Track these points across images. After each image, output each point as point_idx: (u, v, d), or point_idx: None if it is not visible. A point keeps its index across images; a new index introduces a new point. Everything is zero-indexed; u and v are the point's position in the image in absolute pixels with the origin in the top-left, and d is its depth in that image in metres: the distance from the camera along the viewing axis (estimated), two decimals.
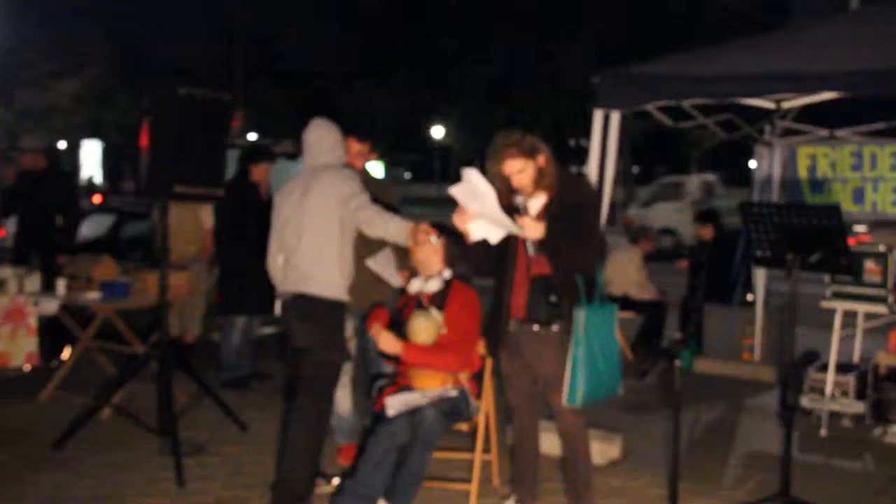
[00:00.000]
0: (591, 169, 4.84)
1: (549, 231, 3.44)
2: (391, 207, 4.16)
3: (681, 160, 32.13)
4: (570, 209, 3.45)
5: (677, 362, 3.55)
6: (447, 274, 4.00)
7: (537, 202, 3.57)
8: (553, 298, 3.54)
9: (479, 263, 3.69)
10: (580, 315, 3.46)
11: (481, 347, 3.84)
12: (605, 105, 4.77)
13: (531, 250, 3.49)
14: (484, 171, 3.48)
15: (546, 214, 3.49)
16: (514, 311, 3.60)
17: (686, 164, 31.33)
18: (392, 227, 3.78)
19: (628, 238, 7.64)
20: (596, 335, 3.51)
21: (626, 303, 7.32)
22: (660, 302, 7.48)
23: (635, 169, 31.90)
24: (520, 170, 3.51)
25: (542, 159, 3.52)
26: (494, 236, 3.50)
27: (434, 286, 4.01)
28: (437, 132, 34.40)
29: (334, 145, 4.04)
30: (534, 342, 3.57)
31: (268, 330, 7.36)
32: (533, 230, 3.43)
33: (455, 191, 3.38)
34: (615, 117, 4.76)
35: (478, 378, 3.99)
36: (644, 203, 18.97)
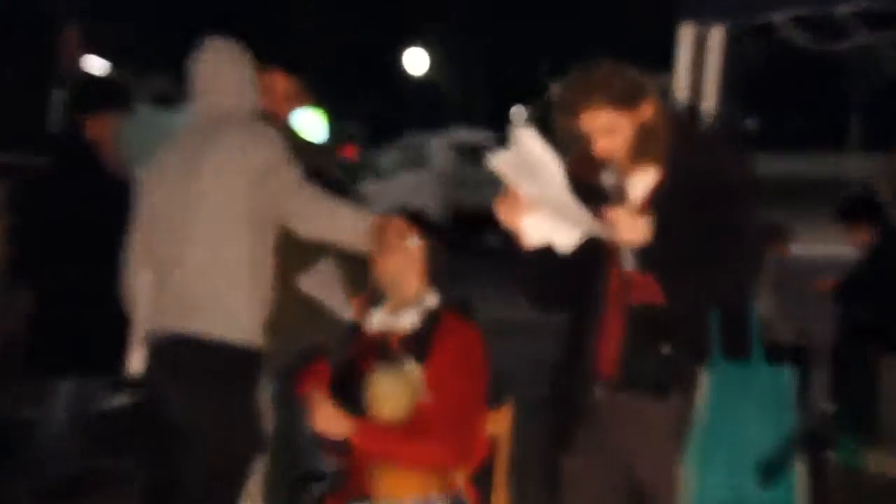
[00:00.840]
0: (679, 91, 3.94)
1: (662, 232, 2.76)
2: (340, 188, 3.68)
3: (828, 107, 25.28)
4: (701, 195, 2.80)
5: (832, 455, 3.16)
6: (431, 300, 3.20)
7: (641, 182, 2.91)
8: (667, 349, 2.84)
9: (536, 286, 3.01)
10: (711, 381, 2.82)
11: (493, 422, 3.18)
12: (700, 15, 3.97)
13: (629, 264, 2.83)
14: (546, 130, 2.81)
15: (656, 203, 2.85)
16: (602, 366, 2.92)
17: (839, 113, 24.72)
18: (341, 222, 3.28)
19: None
20: (740, 418, 2.86)
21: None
22: (799, 348, 6.23)
23: (751, 123, 27.33)
24: (609, 128, 2.83)
25: (648, 109, 2.85)
26: (565, 239, 2.85)
27: (409, 321, 3.16)
28: (417, 63, 28.81)
29: (242, 84, 3.51)
30: (631, 423, 2.90)
31: (117, 401, 5.71)
32: (631, 229, 2.74)
33: (499, 163, 2.74)
34: (716, 37, 3.98)
35: (483, 479, 3.19)
36: None
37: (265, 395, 3.72)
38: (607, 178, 2.88)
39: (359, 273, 3.57)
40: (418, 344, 3.13)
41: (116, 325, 3.63)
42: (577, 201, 2.76)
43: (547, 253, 2.88)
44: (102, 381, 5.15)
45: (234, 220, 3.32)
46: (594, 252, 2.88)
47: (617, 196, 2.85)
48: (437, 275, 3.24)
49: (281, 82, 3.86)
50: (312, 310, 3.76)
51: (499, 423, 3.25)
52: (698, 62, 3.92)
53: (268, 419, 3.74)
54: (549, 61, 20.71)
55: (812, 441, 5.43)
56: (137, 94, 5.57)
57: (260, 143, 3.34)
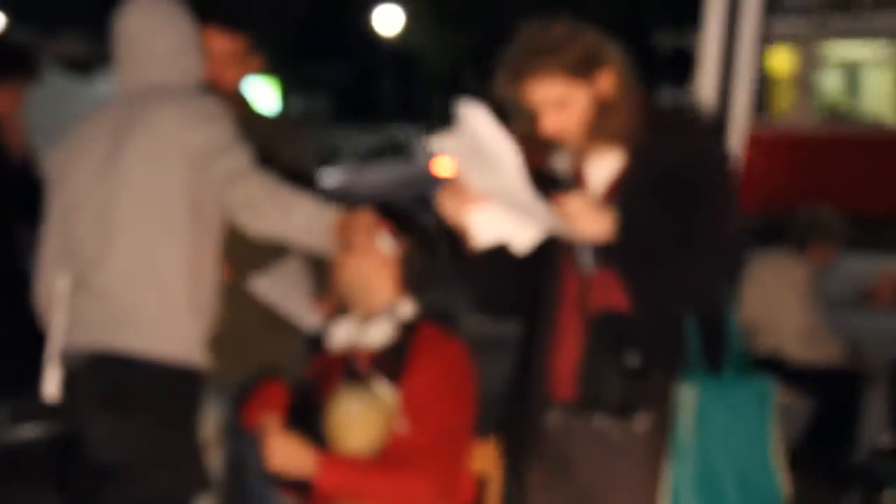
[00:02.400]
0: (704, 90, 3.65)
1: (626, 224, 2.72)
2: (300, 176, 3.47)
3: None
4: (670, 180, 2.77)
5: (889, 494, 3.06)
6: (406, 310, 3.13)
7: (601, 167, 2.86)
8: (633, 361, 2.78)
9: (489, 291, 2.96)
10: (689, 397, 2.77)
11: (480, 456, 3.12)
12: None
13: (587, 263, 2.80)
14: (493, 103, 2.74)
15: (619, 191, 2.83)
16: (557, 386, 2.90)
17: None
18: (299, 217, 3.09)
19: (788, 239, 6.05)
20: (724, 442, 2.80)
21: (778, 371, 5.20)
22: (848, 372, 5.89)
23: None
24: (560, 101, 2.76)
25: (607, 80, 2.79)
26: (521, 238, 2.79)
27: (380, 335, 3.08)
28: (388, 21, 27.26)
29: (178, 47, 3.32)
30: (595, 451, 2.90)
31: (26, 433, 5.40)
32: (589, 221, 2.70)
33: (444, 146, 2.72)
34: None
35: None
36: None
37: (210, 423, 3.63)
38: (559, 162, 2.85)
39: (321, 278, 3.53)
40: (391, 362, 3.08)
41: (26, 339, 3.61)
42: (531, 190, 2.71)
43: (498, 251, 2.85)
44: (7, 407, 5.13)
45: (169, 214, 3.25)
46: (547, 250, 2.87)
47: (571, 182, 2.83)
48: (414, 281, 3.17)
49: (222, 43, 3.66)
50: (268, 319, 3.68)
51: (487, 457, 3.19)
52: (731, 12, 3.66)
53: (213, 453, 3.66)
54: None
55: (866, 477, 5.10)
56: (44, 57, 5.50)
57: (200, 120, 3.24)
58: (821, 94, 18.26)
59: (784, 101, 18.11)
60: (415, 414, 2.98)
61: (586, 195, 2.76)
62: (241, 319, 3.59)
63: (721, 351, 2.87)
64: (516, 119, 2.83)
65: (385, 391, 2.99)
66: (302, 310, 3.60)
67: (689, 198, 2.78)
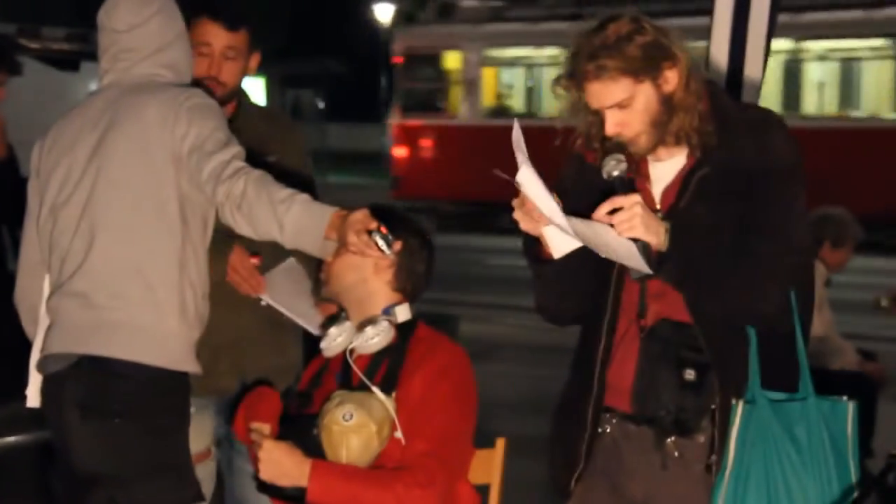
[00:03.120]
0: (716, 57, 3.49)
1: (679, 232, 2.65)
2: (297, 173, 3.41)
3: None
4: (735, 182, 2.70)
5: None
6: (403, 314, 3.07)
7: (668, 167, 2.79)
8: (691, 375, 2.71)
9: (553, 297, 2.86)
10: (746, 415, 2.68)
11: (482, 465, 3.06)
12: None
13: (638, 271, 2.68)
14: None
15: (683, 194, 2.75)
16: (614, 396, 2.84)
17: None
18: (292, 217, 2.96)
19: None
20: (781, 463, 2.66)
21: None
22: (862, 377, 5.67)
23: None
24: (623, 100, 2.68)
25: (673, 78, 2.70)
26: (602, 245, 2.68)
27: (376, 339, 2.99)
28: (389, 10, 26.37)
29: (164, 39, 3.26)
30: (648, 464, 2.83)
31: (10, 440, 4.93)
32: (637, 224, 2.60)
33: (525, 178, 2.59)
34: None
35: None
36: None
37: (204, 432, 3.55)
38: (610, 167, 2.74)
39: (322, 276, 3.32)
40: (388, 367, 3.02)
41: (10, 344, 3.48)
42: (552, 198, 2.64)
43: (570, 259, 2.76)
44: None
45: (157, 213, 3.17)
46: (605, 259, 2.80)
47: (621, 187, 2.72)
48: (410, 284, 3.12)
49: (220, 37, 3.56)
50: (268, 323, 3.60)
51: (488, 467, 3.15)
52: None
53: (205, 463, 3.55)
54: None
55: (881, 486, 4.84)
56: (28, 53, 5.51)
57: (189, 115, 3.16)
58: (501, 92, 20.92)
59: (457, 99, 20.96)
60: (412, 421, 2.93)
61: (633, 198, 2.66)
62: (237, 323, 3.53)
63: (790, 369, 2.77)
64: (582, 119, 2.76)
65: (381, 398, 2.93)
66: (307, 312, 3.50)
67: (752, 204, 2.71)
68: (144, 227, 3.15)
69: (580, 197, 2.72)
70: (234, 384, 3.52)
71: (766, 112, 2.92)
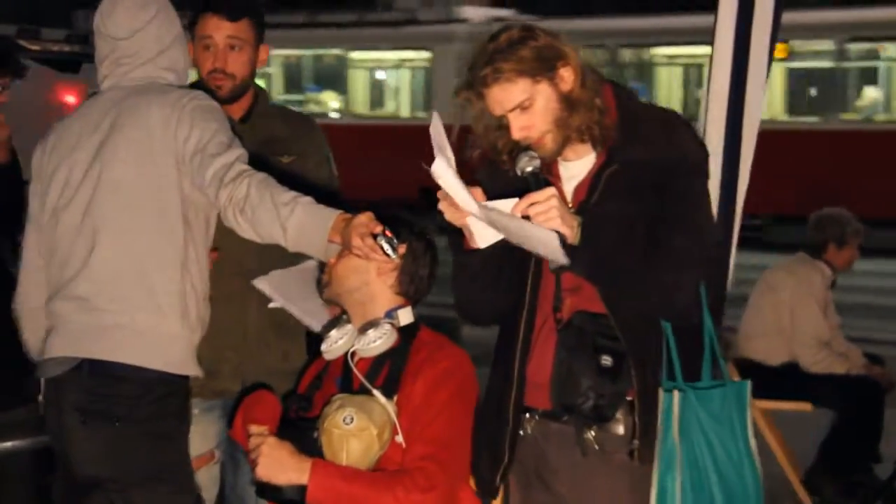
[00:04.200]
0: (717, 79, 3.43)
1: (590, 226, 2.74)
2: (314, 172, 3.52)
3: None
4: (643, 179, 2.79)
5: None
6: (405, 317, 3.06)
7: (576, 167, 2.88)
8: (607, 360, 2.78)
9: (483, 289, 2.91)
10: (673, 401, 2.79)
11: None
12: None
13: (557, 261, 2.76)
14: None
15: (590, 190, 2.83)
16: (533, 393, 2.91)
17: None
18: (297, 221, 2.94)
19: (809, 241, 5.91)
20: (710, 449, 2.82)
21: (795, 381, 5.40)
22: (869, 382, 5.68)
23: None
24: (522, 102, 2.79)
25: (569, 76, 2.81)
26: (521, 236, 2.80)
27: (378, 342, 2.98)
28: None
29: (167, 42, 3.26)
30: (573, 458, 2.89)
31: (10, 444, 4.78)
32: (554, 216, 2.69)
33: (441, 170, 2.67)
34: None
35: None
36: None
37: (210, 436, 3.52)
38: (523, 163, 2.80)
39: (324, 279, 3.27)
40: (389, 371, 2.99)
41: (11, 347, 3.42)
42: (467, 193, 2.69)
43: (495, 250, 2.83)
44: None
45: (158, 215, 3.14)
46: (525, 256, 2.87)
47: (535, 183, 2.77)
48: (413, 287, 3.09)
49: (224, 30, 3.49)
50: (272, 326, 3.54)
51: None
52: None
53: (208, 468, 3.54)
54: None
55: (888, 492, 4.91)
56: (24, 52, 5.31)
57: (191, 116, 3.13)
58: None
59: None
60: (414, 425, 2.90)
61: (547, 191, 2.71)
62: (242, 325, 3.49)
63: (698, 356, 2.86)
64: (489, 134, 2.82)
65: (383, 401, 2.89)
66: (315, 311, 3.38)
67: (662, 199, 2.77)
68: (146, 229, 3.11)
69: (497, 196, 2.75)
70: (236, 387, 3.46)
71: (671, 111, 2.98)
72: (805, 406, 5.62)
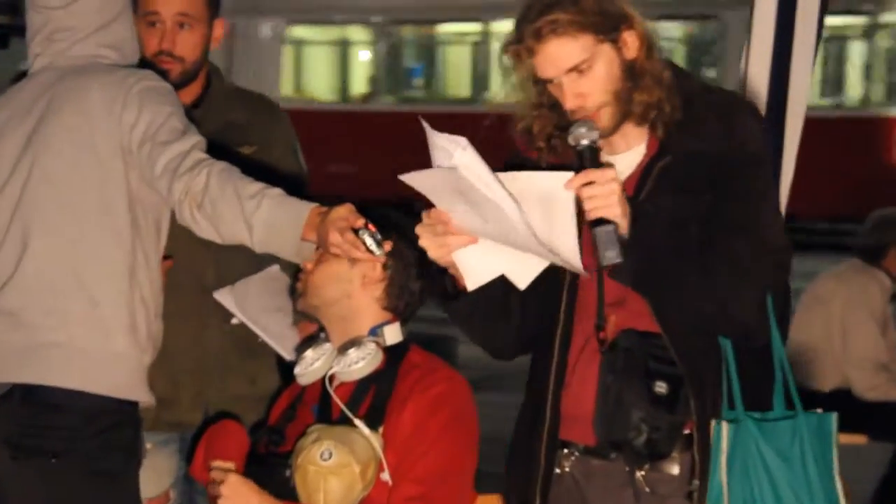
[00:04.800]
0: (753, 69, 3.37)
1: (648, 220, 2.60)
2: (280, 161, 3.40)
3: None
4: (703, 169, 2.65)
5: None
6: (392, 335, 2.98)
7: (625, 159, 2.71)
8: (661, 387, 2.63)
9: (490, 331, 2.79)
10: (721, 434, 2.65)
11: None
12: None
13: (610, 254, 2.53)
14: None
15: (643, 183, 2.69)
16: (573, 426, 2.75)
17: None
18: (264, 215, 2.85)
19: (861, 247, 5.73)
20: (773, 489, 2.67)
21: (847, 408, 4.18)
22: None
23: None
24: (581, 62, 2.61)
25: (632, 40, 2.64)
26: (521, 271, 2.65)
27: (361, 366, 2.89)
28: None
29: (110, 16, 3.14)
30: (619, 500, 2.78)
31: None
32: (615, 202, 2.54)
33: (415, 180, 2.59)
34: None
35: None
36: None
37: (157, 474, 3.33)
38: (579, 133, 2.61)
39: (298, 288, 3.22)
40: (374, 399, 2.94)
41: None
42: (539, 237, 2.56)
43: (487, 290, 2.73)
44: None
45: (101, 215, 3.05)
46: (557, 275, 2.75)
47: (592, 159, 2.61)
48: (404, 303, 3.01)
49: (173, 6, 3.36)
50: (235, 345, 3.44)
51: None
52: None
53: None
54: None
55: None
56: None
57: (138, 99, 3.04)
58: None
59: None
60: (402, 460, 2.86)
61: (615, 173, 2.58)
62: (200, 346, 3.44)
63: (767, 382, 2.76)
64: (527, 111, 2.72)
65: (366, 433, 2.83)
66: (282, 332, 3.39)
67: (720, 196, 2.68)
68: (87, 231, 3.07)
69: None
70: (197, 417, 3.42)
71: (733, 94, 2.92)
72: (859, 438, 5.58)
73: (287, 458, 2.87)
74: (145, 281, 3.12)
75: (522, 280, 2.75)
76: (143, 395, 3.11)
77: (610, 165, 2.70)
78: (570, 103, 2.65)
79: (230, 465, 2.93)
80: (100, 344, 3.05)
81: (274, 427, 3.07)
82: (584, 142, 2.63)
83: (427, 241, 2.70)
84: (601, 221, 2.59)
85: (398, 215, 3.13)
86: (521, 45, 2.65)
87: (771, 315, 2.76)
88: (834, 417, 2.82)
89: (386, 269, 3.00)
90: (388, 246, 2.90)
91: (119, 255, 3.08)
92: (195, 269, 3.38)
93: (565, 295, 2.81)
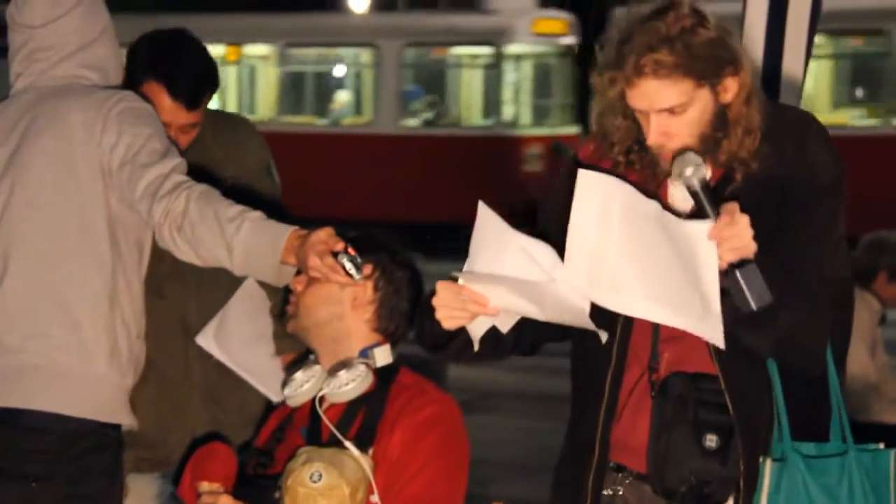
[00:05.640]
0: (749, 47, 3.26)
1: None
2: (259, 198, 3.19)
3: None
4: (774, 194, 2.57)
5: None
6: (382, 357, 2.97)
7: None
8: (712, 441, 2.59)
9: (474, 359, 2.70)
10: (765, 471, 2.58)
11: None
12: None
13: (762, 298, 2.42)
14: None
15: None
16: (621, 452, 2.68)
17: None
18: (244, 238, 2.85)
19: (856, 266, 5.29)
20: None
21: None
22: None
23: None
24: (676, 106, 2.52)
25: (732, 86, 2.53)
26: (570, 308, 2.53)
27: (351, 387, 2.90)
28: None
29: (91, 36, 3.15)
30: None
31: None
32: (747, 243, 2.39)
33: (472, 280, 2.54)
34: None
35: None
36: None
37: (144, 501, 3.40)
38: (689, 173, 2.48)
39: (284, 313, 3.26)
40: (364, 420, 2.93)
41: None
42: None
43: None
44: None
45: (81, 237, 3.05)
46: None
47: (708, 197, 2.46)
48: (394, 325, 2.99)
49: (178, 116, 3.27)
50: (224, 377, 3.37)
51: None
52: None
53: None
54: None
55: None
56: None
57: (118, 121, 3.03)
58: None
59: None
60: (392, 483, 2.85)
61: (730, 210, 2.43)
62: (187, 379, 3.42)
63: (818, 416, 2.69)
64: (610, 122, 2.62)
65: (356, 455, 2.83)
66: (266, 368, 3.36)
67: (792, 220, 2.59)
68: (67, 253, 3.06)
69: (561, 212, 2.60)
70: (181, 442, 3.35)
71: (805, 114, 2.79)
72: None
73: (276, 479, 2.85)
74: (126, 303, 3.10)
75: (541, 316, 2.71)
76: (124, 418, 3.10)
77: (734, 199, 2.56)
78: (653, 140, 2.58)
79: (218, 486, 2.92)
80: (81, 367, 3.04)
81: (262, 449, 3.05)
82: (695, 181, 2.53)
83: (446, 313, 2.58)
84: (739, 263, 2.49)
85: (387, 239, 3.14)
86: (620, 72, 2.56)
87: (829, 348, 2.68)
88: (893, 454, 2.71)
89: (376, 291, 2.99)
90: (367, 269, 2.90)
91: (100, 278, 3.07)
92: (177, 310, 3.36)
93: (619, 330, 2.72)
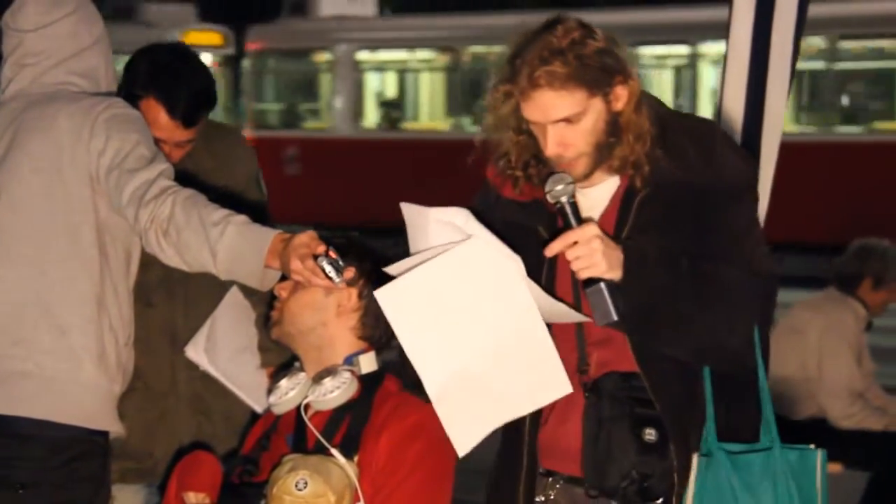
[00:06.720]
0: (732, 82, 3.34)
1: (640, 261, 2.60)
2: (247, 206, 3.15)
3: None
4: (681, 202, 2.66)
5: None
6: (368, 364, 3.00)
7: (598, 191, 2.74)
8: (651, 435, 2.66)
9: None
10: (701, 471, 2.65)
11: None
12: None
13: (608, 311, 2.57)
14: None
15: (624, 219, 2.69)
16: (552, 456, 2.77)
17: None
18: (228, 243, 2.84)
19: (837, 276, 5.78)
20: None
21: (823, 438, 4.11)
22: None
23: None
24: (571, 116, 2.62)
25: (622, 94, 2.65)
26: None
27: (336, 395, 2.93)
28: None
29: (83, 44, 3.17)
30: None
31: None
32: (598, 260, 2.55)
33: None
34: None
35: None
36: None
37: None
38: (558, 191, 2.63)
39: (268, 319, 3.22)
40: (350, 428, 2.92)
41: None
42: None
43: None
44: None
45: (68, 242, 3.05)
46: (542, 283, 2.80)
47: (574, 215, 2.62)
48: (379, 332, 2.97)
49: (175, 133, 3.28)
50: (211, 388, 3.38)
51: None
52: None
53: None
54: None
55: None
56: None
57: (106, 127, 3.03)
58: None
59: None
60: (378, 490, 2.85)
61: (597, 229, 2.58)
62: (173, 390, 3.40)
63: (748, 416, 2.74)
64: (506, 137, 2.69)
65: (341, 462, 2.85)
66: (252, 379, 3.34)
67: (708, 223, 2.65)
68: (54, 259, 3.06)
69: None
70: (167, 452, 3.35)
71: (709, 121, 2.89)
72: (835, 467, 5.51)
73: (262, 487, 2.86)
74: (114, 309, 3.10)
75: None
76: (112, 425, 3.10)
77: (590, 220, 2.66)
78: (550, 151, 2.64)
79: (203, 496, 2.92)
80: (68, 373, 3.04)
81: (248, 457, 3.05)
82: (564, 199, 2.63)
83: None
84: (591, 281, 2.59)
85: (371, 245, 3.12)
86: (514, 85, 2.63)
87: (757, 346, 2.74)
88: (819, 454, 2.79)
89: (361, 298, 3.00)
90: (348, 273, 2.89)
91: (87, 283, 3.07)
92: (165, 319, 3.36)
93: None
